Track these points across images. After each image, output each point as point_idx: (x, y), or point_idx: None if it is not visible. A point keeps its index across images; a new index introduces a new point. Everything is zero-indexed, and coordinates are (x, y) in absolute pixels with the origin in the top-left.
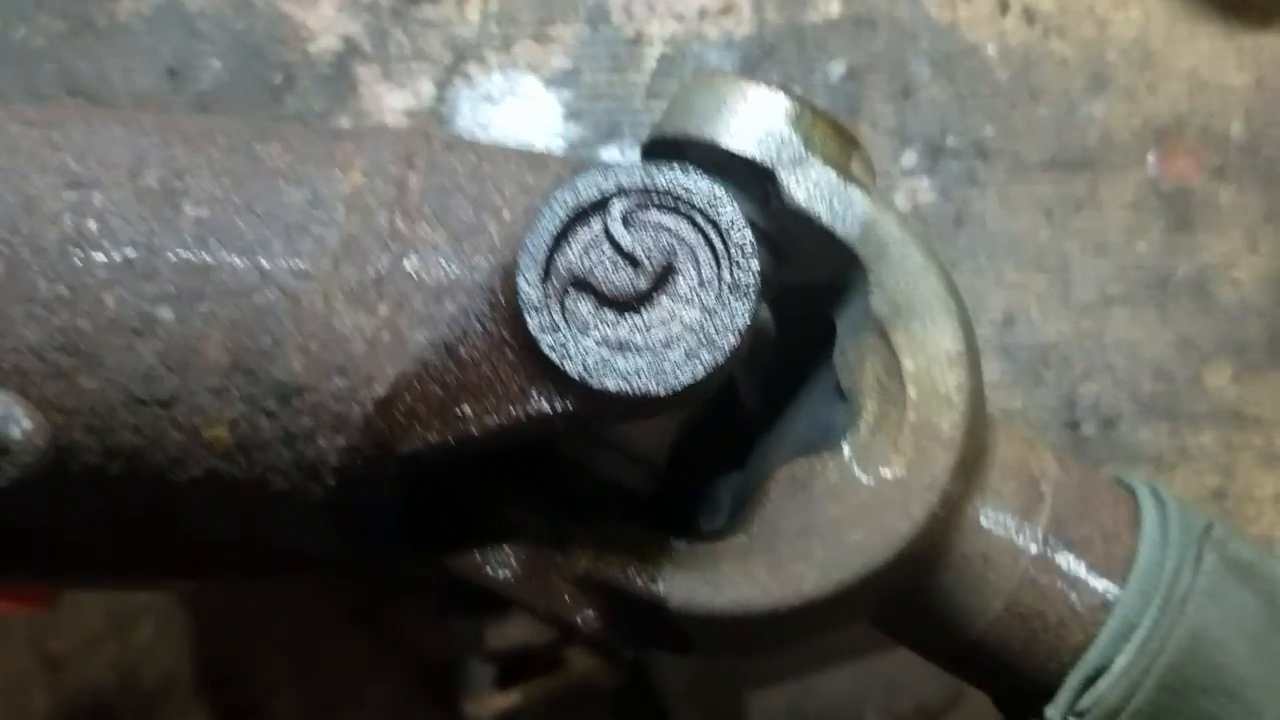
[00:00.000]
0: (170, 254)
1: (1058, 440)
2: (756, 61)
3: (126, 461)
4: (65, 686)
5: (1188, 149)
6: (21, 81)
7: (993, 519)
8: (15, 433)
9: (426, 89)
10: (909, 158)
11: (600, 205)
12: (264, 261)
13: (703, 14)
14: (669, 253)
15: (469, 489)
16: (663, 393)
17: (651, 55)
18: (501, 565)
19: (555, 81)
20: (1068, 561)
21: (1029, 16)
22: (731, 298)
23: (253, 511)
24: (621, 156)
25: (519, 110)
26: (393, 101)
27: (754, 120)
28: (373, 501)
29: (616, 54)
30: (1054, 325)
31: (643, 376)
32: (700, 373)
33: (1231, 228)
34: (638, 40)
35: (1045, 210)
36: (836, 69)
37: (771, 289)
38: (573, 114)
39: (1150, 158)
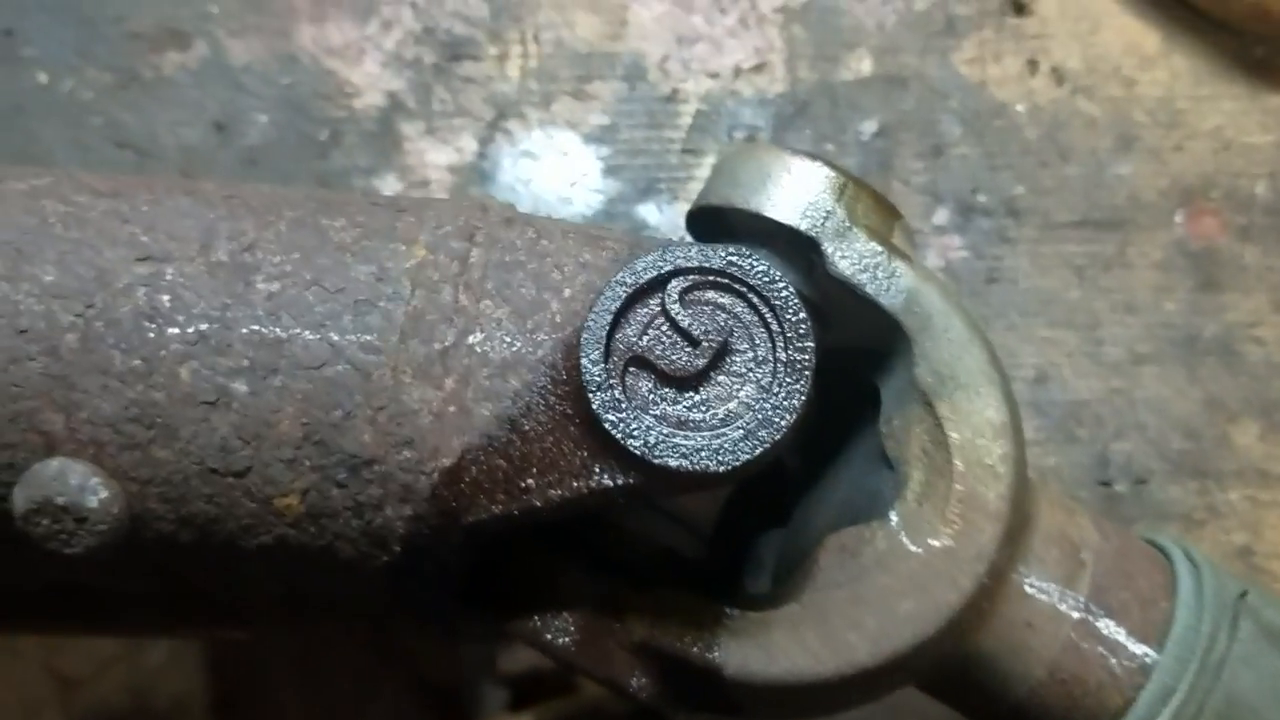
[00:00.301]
0: (244, 328)
1: (1090, 498)
2: (789, 119)
3: (199, 529)
4: (78, 708)
5: (1214, 209)
6: (69, 134)
7: (1036, 586)
8: (92, 502)
9: (469, 145)
10: (941, 215)
11: (658, 284)
12: (334, 335)
13: (737, 72)
14: (726, 331)
15: (526, 555)
16: (723, 470)
17: (687, 112)
18: (561, 632)
19: (594, 138)
20: (1108, 627)
21: (1058, 76)
22: (788, 377)
23: (317, 576)
24: (658, 213)
25: (558, 166)
26: (436, 157)
27: (798, 192)
28: (437, 570)
29: (653, 111)
30: (1085, 383)
31: (703, 455)
32: (759, 450)
33: (1256, 287)
34: (673, 98)
35: (1075, 269)
36: (868, 127)
37: (817, 354)
38: (610, 170)
39: (1177, 217)
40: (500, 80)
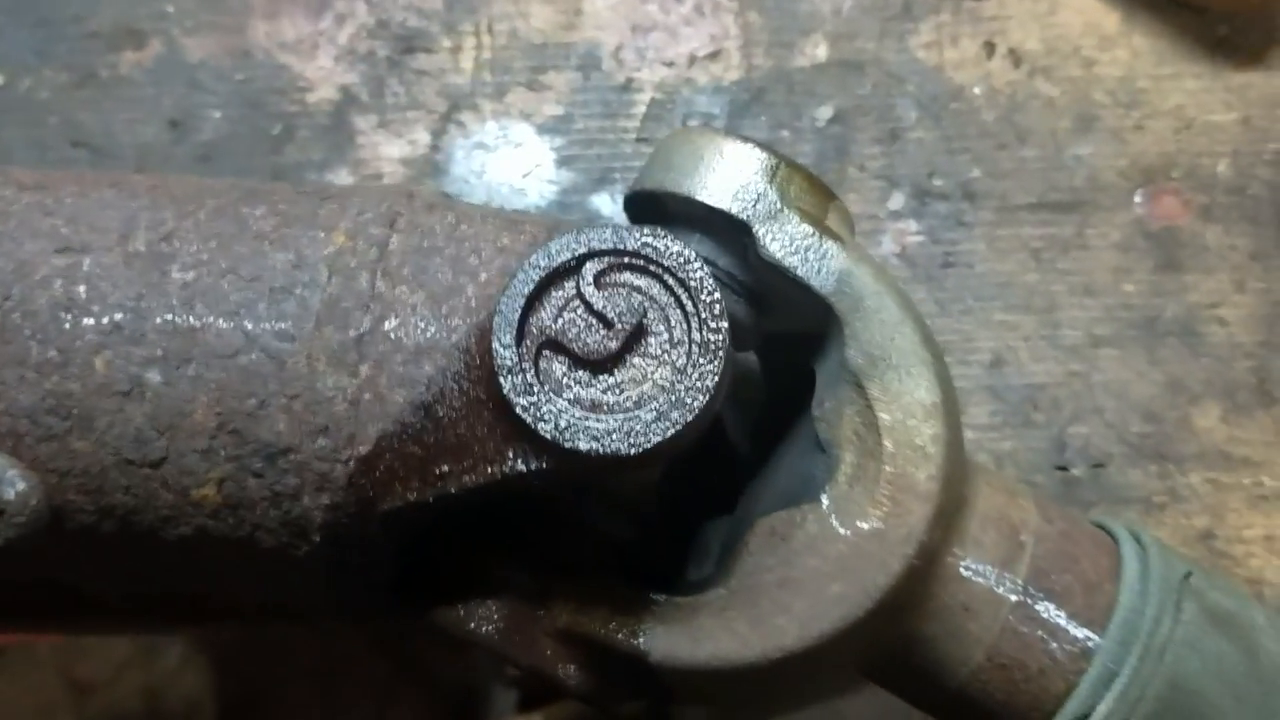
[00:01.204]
0: (158, 318)
1: (1047, 483)
2: (745, 106)
3: (119, 520)
4: (93, 713)
5: (1175, 189)
6: (27, 134)
7: (972, 569)
8: (9, 494)
9: (422, 137)
10: (896, 200)
11: (574, 268)
12: (248, 324)
13: (691, 60)
14: (640, 313)
15: (455, 546)
16: (633, 453)
17: (642, 101)
18: (485, 620)
19: (548, 128)
20: (1048, 610)
21: (1015, 58)
22: (702, 358)
23: (244, 567)
24: (613, 203)
25: (513, 157)
26: (390, 150)
27: (730, 175)
28: (361, 559)
29: (608, 100)
30: (1043, 367)
31: (614, 437)
32: (670, 432)
33: (1219, 268)
34: (628, 87)
35: (1033, 252)
36: (824, 113)
37: (754, 338)
38: (565, 160)
39: (1137, 198)
40: (454, 72)
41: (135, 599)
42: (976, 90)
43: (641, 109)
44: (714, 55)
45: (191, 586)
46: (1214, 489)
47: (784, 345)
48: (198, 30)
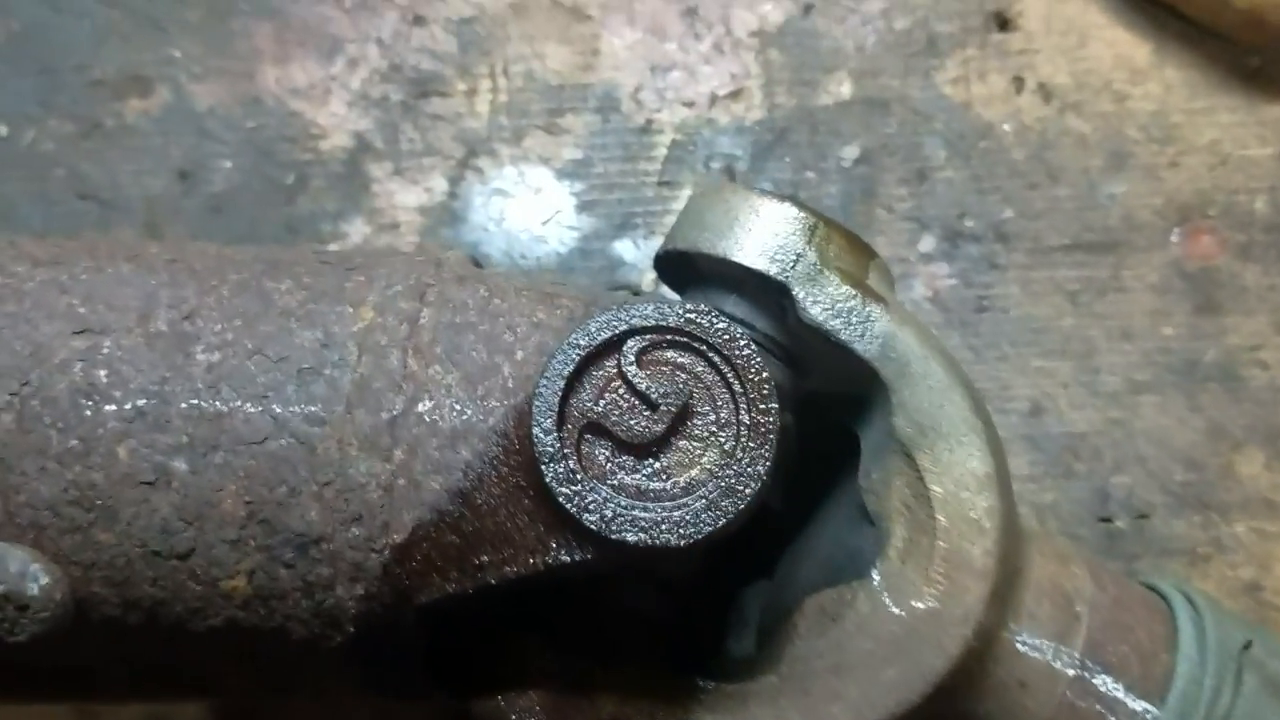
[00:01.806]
0: (183, 403)
1: (1090, 535)
2: (768, 147)
3: (145, 612)
4: None
5: (1211, 227)
6: (32, 187)
7: (1029, 644)
8: (34, 589)
9: (439, 184)
10: (927, 243)
11: (614, 345)
12: (277, 408)
13: (713, 100)
14: (686, 394)
15: (491, 631)
16: (684, 544)
17: (662, 143)
18: (527, 713)
19: (567, 173)
20: (1105, 684)
21: (1045, 93)
22: (751, 441)
23: (273, 657)
24: (636, 249)
25: (532, 203)
26: (405, 199)
27: (767, 235)
28: (393, 648)
29: (627, 143)
30: (1082, 415)
31: (664, 528)
32: (722, 522)
33: (1258, 309)
34: (648, 128)
35: (1068, 294)
36: (850, 152)
37: (792, 400)
38: (585, 205)
39: (1174, 237)
40: (470, 116)
41: (151, 680)
42: (1006, 127)
43: (662, 151)
44: (735, 94)
45: (214, 671)
46: (1259, 538)
47: (820, 404)
48: (205, 77)
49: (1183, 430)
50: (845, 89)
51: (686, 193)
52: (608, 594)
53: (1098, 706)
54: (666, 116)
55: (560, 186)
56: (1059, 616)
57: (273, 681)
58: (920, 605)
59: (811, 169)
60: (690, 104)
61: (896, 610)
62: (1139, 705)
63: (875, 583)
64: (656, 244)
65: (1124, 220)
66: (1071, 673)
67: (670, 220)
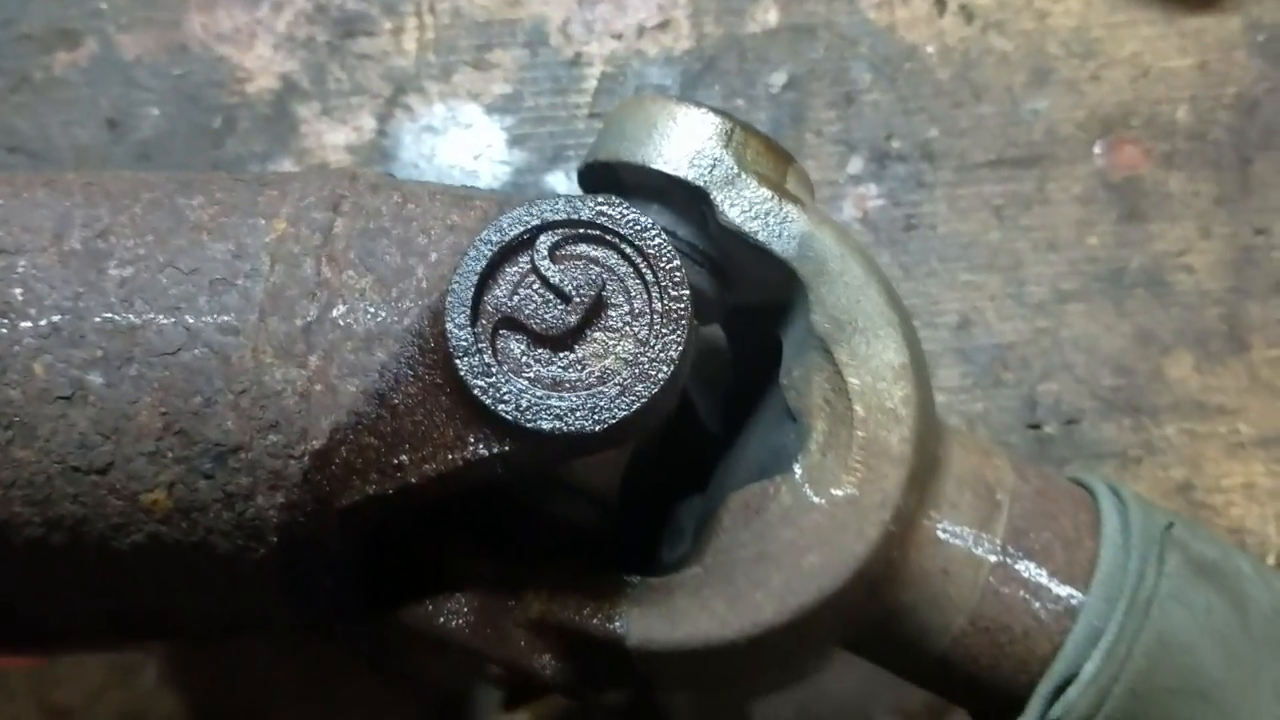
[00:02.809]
0: (97, 317)
1: (1020, 442)
2: (697, 76)
3: (68, 531)
4: None
5: (1134, 138)
6: None
7: (949, 531)
8: None
9: (368, 123)
10: (855, 164)
11: (527, 242)
12: (190, 318)
13: (640, 31)
14: (599, 285)
15: (418, 542)
16: (599, 430)
17: (592, 75)
18: (454, 615)
19: (497, 108)
20: (1029, 570)
21: (967, 14)
22: (664, 328)
23: (200, 574)
24: (568, 180)
25: (462, 139)
26: (334, 138)
27: (685, 141)
28: (320, 560)
29: (557, 76)
30: (1010, 325)
31: (578, 415)
32: (636, 406)
33: (1183, 215)
34: (577, 61)
35: (995, 209)
36: (778, 79)
37: (720, 310)
38: (516, 140)
39: (1097, 149)
40: (397, 55)
41: (91, 619)
42: (930, 49)
43: (592, 84)
44: (663, 25)
45: (148, 600)
46: (1190, 439)
47: (750, 319)
48: (132, 27)
49: (1111, 337)
50: (771, 16)
51: None
52: (533, 503)
53: (1021, 592)
54: (595, 49)
55: (490, 122)
56: (980, 505)
57: (205, 606)
58: (840, 493)
59: (741, 96)
60: (618, 36)
61: (817, 499)
62: (1063, 590)
63: (797, 475)
64: None
65: (1047, 134)
66: (994, 559)
67: None
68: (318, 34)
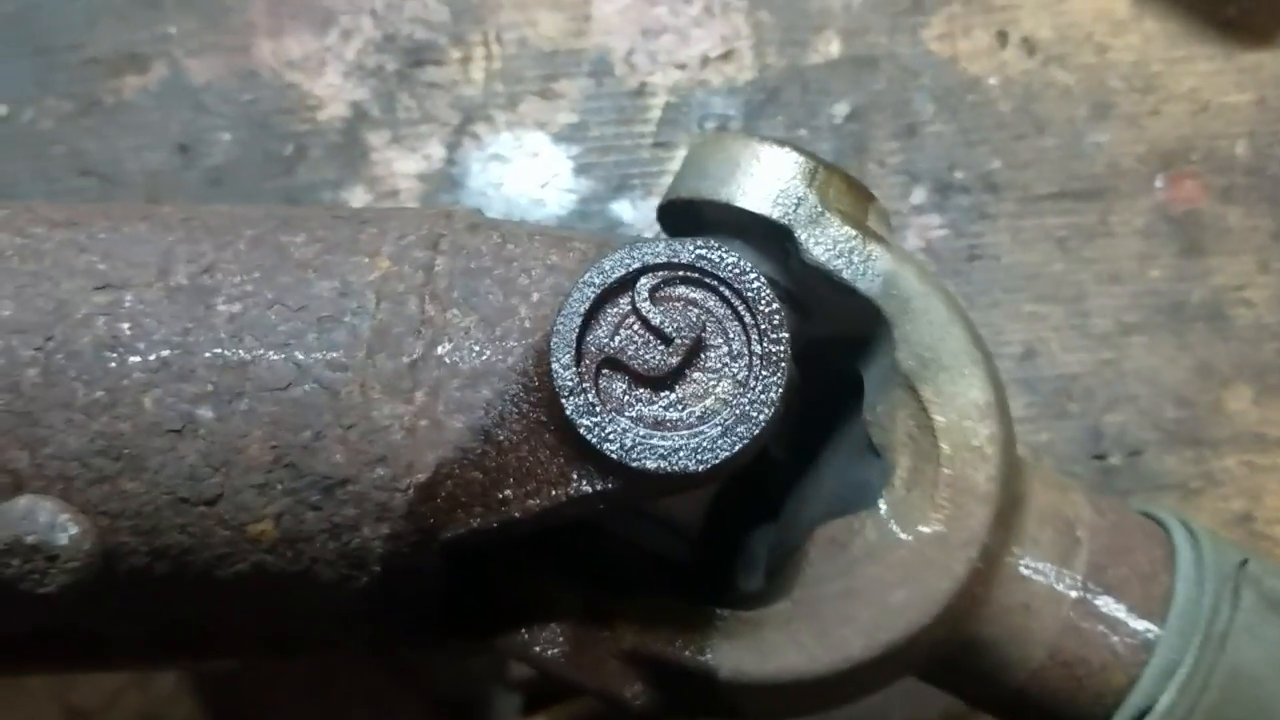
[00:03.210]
0: (206, 352)
1: (1085, 473)
2: (760, 106)
3: (173, 560)
4: None
5: (1194, 172)
6: (32, 165)
7: (1031, 568)
8: (63, 539)
9: (437, 151)
10: (918, 195)
11: (627, 283)
12: (299, 355)
13: (704, 61)
14: (699, 327)
15: (509, 568)
16: (702, 470)
17: (656, 105)
18: (549, 644)
19: (563, 137)
20: (1108, 605)
21: (1029, 47)
22: (764, 370)
23: (297, 601)
24: (633, 209)
25: (529, 168)
26: (404, 166)
27: (768, 179)
28: (415, 589)
29: (621, 106)
30: (1074, 356)
31: (682, 455)
32: (738, 447)
33: (1242, 249)
34: (641, 91)
35: (1057, 241)
36: (840, 110)
37: (796, 344)
38: (582, 168)
39: (1158, 183)
40: (465, 84)
41: (161, 638)
42: (992, 81)
43: (656, 113)
44: (726, 56)
45: (233, 623)
46: (1249, 471)
47: (822, 350)
48: (201, 52)
49: (1172, 369)
50: (834, 48)
51: (681, 153)
52: (626, 538)
53: (1100, 627)
54: (659, 79)
55: (557, 150)
56: (1060, 541)
57: (288, 633)
58: (927, 530)
59: (804, 126)
60: (682, 66)
61: (904, 536)
62: (1140, 624)
63: (882, 511)
64: (653, 204)
65: (1109, 168)
66: (1074, 595)
67: (666, 180)
68: (387, 63)
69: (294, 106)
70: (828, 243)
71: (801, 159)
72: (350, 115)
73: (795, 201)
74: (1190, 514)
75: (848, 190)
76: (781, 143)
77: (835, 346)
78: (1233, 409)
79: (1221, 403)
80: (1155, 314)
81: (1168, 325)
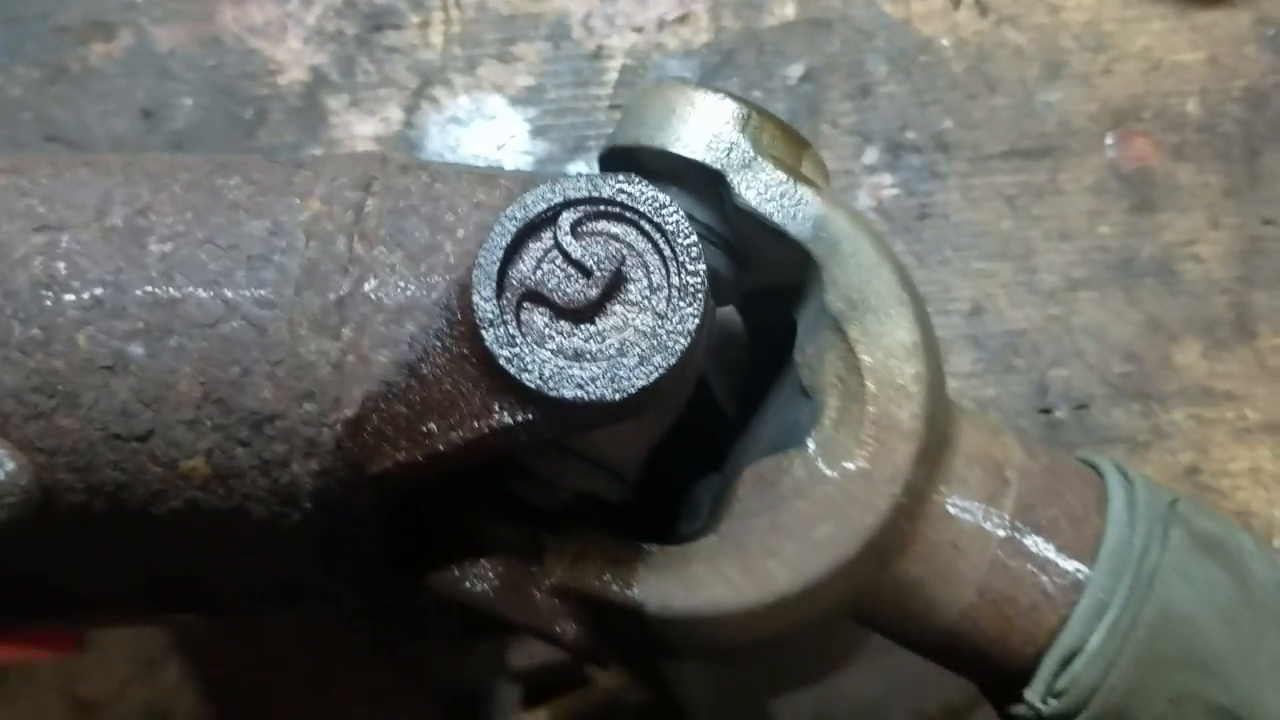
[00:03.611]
0: (138, 290)
1: (1031, 426)
2: (716, 68)
3: (109, 497)
4: None
5: (1145, 130)
6: (1, 131)
7: (959, 506)
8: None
9: (395, 115)
10: (870, 155)
11: (550, 218)
12: (228, 292)
13: (661, 24)
14: (619, 260)
15: (444, 510)
16: (618, 398)
17: (613, 68)
18: (479, 579)
19: (520, 100)
20: (1036, 544)
21: (981, 8)
22: (681, 301)
23: (236, 541)
24: (588, 170)
25: (486, 131)
26: (363, 129)
27: (703, 126)
28: (351, 526)
29: (579, 69)
30: (1022, 313)
31: (599, 384)
32: (654, 377)
33: (1192, 206)
34: (599, 54)
35: (1007, 199)
36: (795, 71)
37: (735, 293)
38: (539, 131)
39: (1109, 141)
40: (424, 48)
41: (127, 588)
42: (945, 42)
43: (613, 76)
44: (683, 19)
45: (184, 568)
46: (1198, 424)
47: (765, 303)
48: (167, 19)
49: (1120, 324)
50: (789, 10)
51: None
52: (554, 476)
53: (1029, 566)
54: (616, 42)
55: (514, 113)
56: (989, 481)
57: (241, 573)
58: (851, 466)
59: (758, 88)
60: (639, 29)
61: (829, 472)
62: (1070, 565)
63: (810, 449)
64: None
65: (1060, 126)
66: (1002, 533)
67: None
68: (346, 27)
69: (256, 71)
70: (759, 187)
71: (735, 105)
72: (310, 79)
73: (728, 147)
74: (1138, 467)
75: (781, 136)
76: (716, 90)
77: (774, 297)
78: (1181, 363)
79: (1170, 357)
80: (1104, 270)
81: (1117, 281)
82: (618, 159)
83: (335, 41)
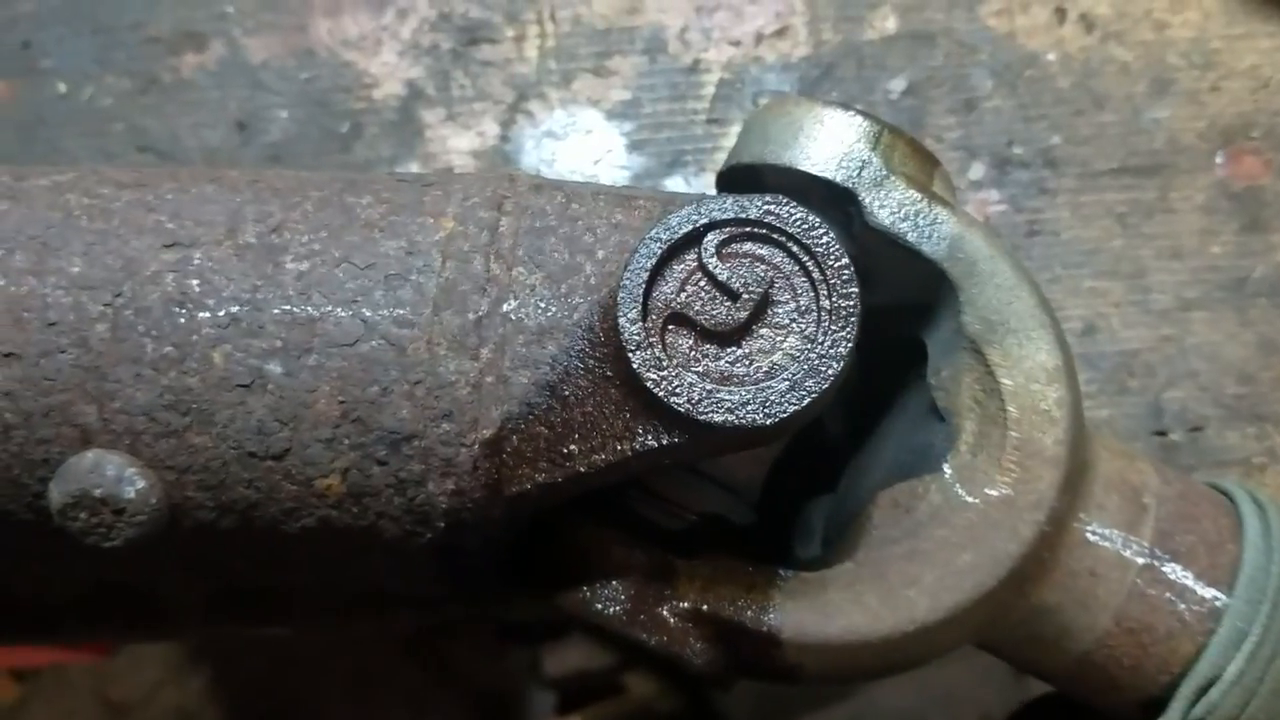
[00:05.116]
0: (275, 309)
1: (1146, 448)
2: (815, 82)
3: (240, 515)
4: None
5: (1255, 148)
6: (91, 142)
7: (1098, 533)
8: (130, 493)
9: (491, 129)
10: (977, 170)
11: (694, 239)
12: (366, 311)
13: (758, 38)
14: (766, 283)
15: (572, 527)
16: (770, 424)
17: (710, 82)
18: (611, 601)
19: (616, 114)
20: (1175, 572)
21: (1087, 23)
22: (833, 324)
23: (360, 558)
24: (686, 186)
25: (582, 145)
26: (458, 143)
27: (833, 143)
28: (480, 544)
29: (675, 83)
30: (1134, 333)
31: (749, 409)
32: (806, 401)
33: None
34: (695, 68)
35: (1118, 217)
36: (897, 85)
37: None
38: (635, 145)
39: (1218, 159)
40: (519, 62)
41: (223, 598)
42: (1050, 57)
43: (710, 90)
44: (780, 32)
45: (294, 580)
46: None
47: (880, 321)
48: (259, 30)
49: (1233, 345)
50: (890, 24)
51: (736, 129)
52: (681, 498)
53: (1168, 594)
54: (713, 55)
55: (610, 127)
56: (1127, 507)
57: (352, 586)
58: (993, 493)
59: (859, 102)
60: (736, 43)
61: (970, 499)
62: (1208, 592)
63: (947, 475)
64: (707, 180)
65: (1169, 144)
66: (1141, 561)
67: (720, 157)
68: (442, 41)
69: (350, 85)
70: (893, 205)
71: (865, 122)
72: (405, 93)
73: (860, 165)
74: (1258, 491)
75: (912, 154)
76: (845, 106)
77: (895, 315)
78: None
79: None
80: (1216, 290)
81: (1229, 301)
82: (738, 176)
83: (430, 55)
